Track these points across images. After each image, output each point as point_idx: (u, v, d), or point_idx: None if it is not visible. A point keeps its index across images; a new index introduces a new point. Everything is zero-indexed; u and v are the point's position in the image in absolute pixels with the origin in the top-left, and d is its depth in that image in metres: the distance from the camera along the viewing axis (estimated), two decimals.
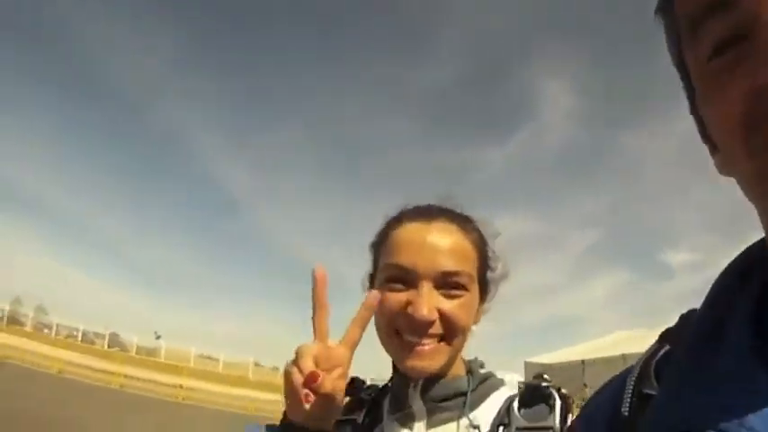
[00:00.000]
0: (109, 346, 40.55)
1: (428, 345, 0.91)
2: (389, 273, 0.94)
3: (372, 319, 0.91)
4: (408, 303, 0.90)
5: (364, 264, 1.09)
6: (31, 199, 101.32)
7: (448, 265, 0.92)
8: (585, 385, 31.42)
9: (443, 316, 0.91)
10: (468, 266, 0.96)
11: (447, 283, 0.92)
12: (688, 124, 0.50)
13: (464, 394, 0.96)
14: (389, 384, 1.06)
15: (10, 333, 30.24)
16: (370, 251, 1.06)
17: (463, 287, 0.93)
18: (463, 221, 1.01)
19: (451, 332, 0.92)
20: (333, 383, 0.78)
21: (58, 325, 42.08)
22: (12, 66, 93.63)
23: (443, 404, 0.96)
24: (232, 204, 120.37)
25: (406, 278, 0.92)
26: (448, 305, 0.91)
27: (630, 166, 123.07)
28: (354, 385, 1.09)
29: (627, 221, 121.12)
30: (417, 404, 0.96)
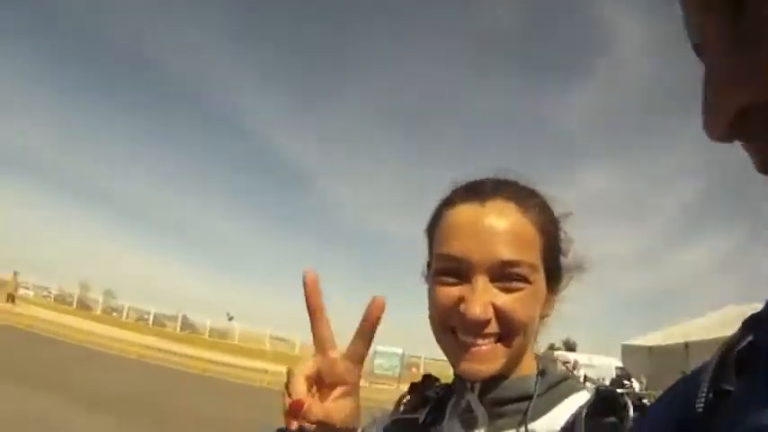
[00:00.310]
0: (181, 329, 40.01)
1: (485, 345, 0.79)
2: (441, 264, 0.83)
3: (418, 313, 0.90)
4: (461, 299, 0.79)
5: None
6: (93, 185, 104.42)
7: (505, 253, 0.79)
8: (684, 373, 29.12)
9: (500, 313, 0.78)
10: (530, 254, 0.81)
11: (505, 274, 0.79)
12: None
13: (530, 398, 0.83)
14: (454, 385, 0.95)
15: (82, 317, 29.64)
16: (425, 237, 0.93)
17: (524, 279, 0.80)
18: (524, 198, 0.85)
19: (510, 331, 0.79)
20: (326, 409, 0.73)
21: (129, 308, 42.00)
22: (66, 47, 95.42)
23: (504, 408, 0.84)
24: (299, 177, 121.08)
25: (458, 270, 0.80)
26: (505, 300, 0.79)
27: None
28: (423, 383, 1.01)
29: (730, 170, 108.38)
30: (478, 408, 0.85)
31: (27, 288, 42.49)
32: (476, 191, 0.86)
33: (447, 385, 0.98)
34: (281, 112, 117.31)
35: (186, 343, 28.76)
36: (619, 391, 0.78)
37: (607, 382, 30.24)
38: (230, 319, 47.21)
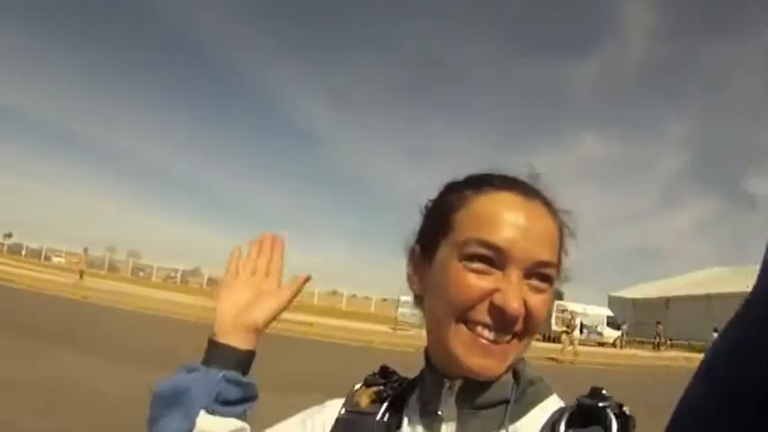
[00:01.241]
0: (207, 285, 42.02)
1: (502, 342, 0.73)
2: (474, 250, 0.73)
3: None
4: (495, 290, 0.72)
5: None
6: (115, 150, 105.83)
7: (545, 254, 0.75)
8: (659, 323, 32.38)
9: (528, 312, 0.73)
10: (557, 259, 0.78)
11: (537, 273, 0.75)
12: None
13: (506, 402, 0.77)
14: (419, 379, 0.88)
15: (115, 280, 31.16)
16: (425, 213, 0.86)
17: (550, 281, 0.76)
18: (553, 208, 0.81)
19: (529, 330, 0.75)
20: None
21: (157, 268, 44.43)
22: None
23: (482, 412, 0.77)
24: (312, 139, 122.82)
25: (493, 259, 0.73)
26: (534, 300, 0.74)
27: (719, 84, 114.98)
28: (380, 374, 0.94)
29: (715, 144, 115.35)
30: (449, 409, 0.77)
31: (60, 256, 44.25)
32: (517, 184, 0.80)
33: (405, 380, 0.92)
34: (294, 75, 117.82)
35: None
36: (600, 404, 0.71)
37: (599, 329, 33.29)
38: None
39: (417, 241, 0.85)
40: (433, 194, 0.86)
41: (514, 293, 0.71)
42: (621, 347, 32.66)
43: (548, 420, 0.74)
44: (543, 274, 0.75)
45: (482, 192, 0.78)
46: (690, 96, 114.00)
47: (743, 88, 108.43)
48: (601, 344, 32.93)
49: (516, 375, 0.80)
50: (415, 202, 0.86)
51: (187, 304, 24.13)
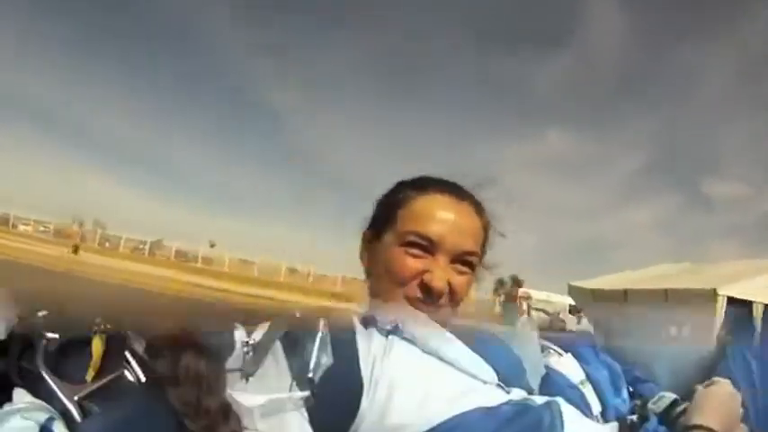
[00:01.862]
0: (175, 257, 42.32)
1: (432, 311, 0.94)
2: (412, 239, 0.97)
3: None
4: (425, 271, 0.95)
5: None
6: (80, 122, 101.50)
7: (469, 245, 0.99)
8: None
9: (451, 289, 0.97)
10: (479, 249, 1.03)
11: (461, 260, 0.98)
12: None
13: None
14: None
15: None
16: (377, 204, 1.08)
17: (472, 266, 1.01)
18: (481, 208, 1.06)
19: (453, 304, 0.99)
20: None
21: (125, 238, 43.56)
22: None
23: None
24: (277, 121, 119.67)
25: (426, 247, 0.96)
26: (457, 279, 0.97)
27: (684, 85, 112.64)
28: None
29: (677, 144, 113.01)
30: None
31: (27, 225, 43.04)
32: (453, 188, 1.03)
33: None
34: (259, 50, 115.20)
35: (187, 272, 30.14)
36: None
37: (562, 317, 34.90)
38: (212, 246, 48.13)
39: (369, 227, 1.07)
40: (387, 187, 1.08)
41: (440, 274, 0.94)
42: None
43: None
44: (466, 260, 0.98)
45: (423, 193, 1.01)
46: (654, 96, 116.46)
47: (708, 91, 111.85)
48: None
49: None
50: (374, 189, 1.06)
51: (169, 278, 24.49)
